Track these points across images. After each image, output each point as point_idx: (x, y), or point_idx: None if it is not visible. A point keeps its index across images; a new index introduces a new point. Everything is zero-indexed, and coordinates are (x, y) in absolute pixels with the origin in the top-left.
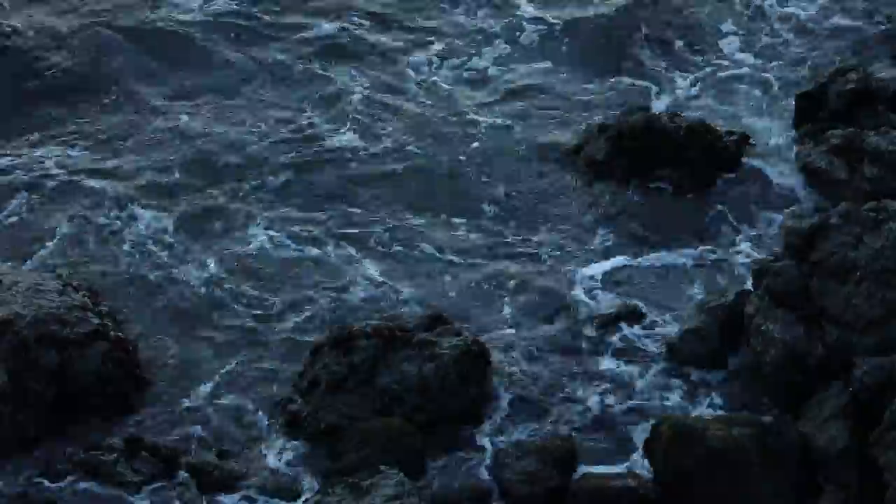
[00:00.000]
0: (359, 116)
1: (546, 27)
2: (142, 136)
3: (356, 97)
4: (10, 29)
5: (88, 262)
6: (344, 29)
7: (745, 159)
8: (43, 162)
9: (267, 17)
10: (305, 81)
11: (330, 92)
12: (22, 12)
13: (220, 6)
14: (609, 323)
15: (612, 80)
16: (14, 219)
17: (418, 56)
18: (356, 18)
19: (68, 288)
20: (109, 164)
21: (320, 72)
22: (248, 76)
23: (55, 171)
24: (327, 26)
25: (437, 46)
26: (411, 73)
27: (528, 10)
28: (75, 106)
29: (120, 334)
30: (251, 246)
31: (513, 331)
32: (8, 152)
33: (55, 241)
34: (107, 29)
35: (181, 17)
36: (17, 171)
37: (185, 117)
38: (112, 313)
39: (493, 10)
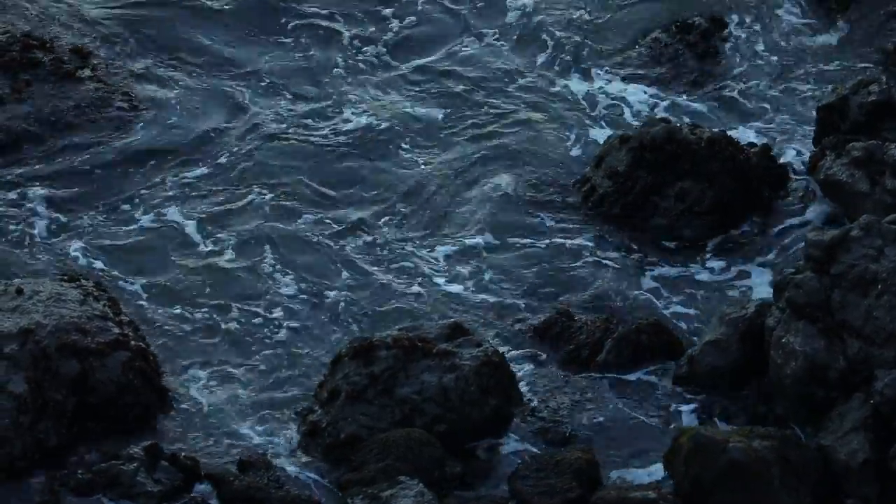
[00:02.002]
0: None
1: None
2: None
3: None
4: None
5: (102, 265)
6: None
7: (766, 171)
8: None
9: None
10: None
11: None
12: None
13: None
14: (630, 335)
15: (614, 86)
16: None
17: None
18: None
19: (89, 297)
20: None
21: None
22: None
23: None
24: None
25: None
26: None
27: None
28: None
29: (141, 343)
30: (263, 248)
31: (530, 343)
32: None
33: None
34: None
35: None
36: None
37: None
38: (133, 322)
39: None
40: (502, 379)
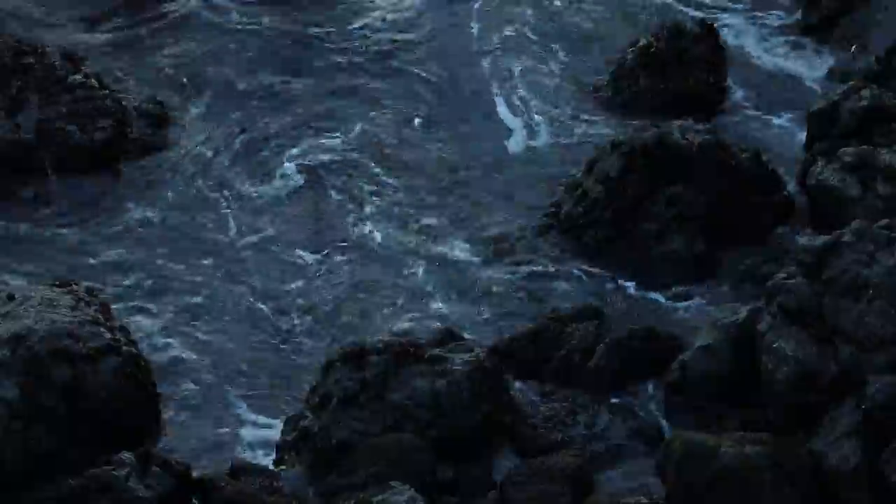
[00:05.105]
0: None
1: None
2: None
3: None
4: None
5: (95, 270)
6: None
7: (757, 176)
8: None
9: None
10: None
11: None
12: None
13: None
14: (622, 341)
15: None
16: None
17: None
18: None
19: (81, 303)
20: None
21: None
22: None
23: None
24: None
25: None
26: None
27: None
28: None
29: (132, 349)
30: (265, 245)
31: (522, 348)
32: None
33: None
34: None
35: None
36: None
37: None
38: (125, 328)
39: None
40: (494, 384)
